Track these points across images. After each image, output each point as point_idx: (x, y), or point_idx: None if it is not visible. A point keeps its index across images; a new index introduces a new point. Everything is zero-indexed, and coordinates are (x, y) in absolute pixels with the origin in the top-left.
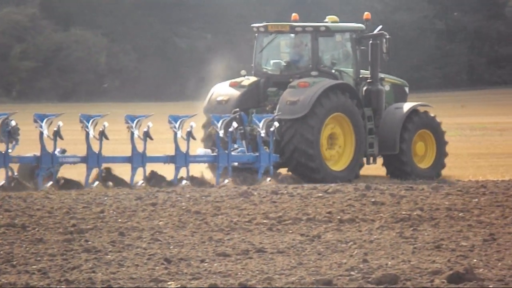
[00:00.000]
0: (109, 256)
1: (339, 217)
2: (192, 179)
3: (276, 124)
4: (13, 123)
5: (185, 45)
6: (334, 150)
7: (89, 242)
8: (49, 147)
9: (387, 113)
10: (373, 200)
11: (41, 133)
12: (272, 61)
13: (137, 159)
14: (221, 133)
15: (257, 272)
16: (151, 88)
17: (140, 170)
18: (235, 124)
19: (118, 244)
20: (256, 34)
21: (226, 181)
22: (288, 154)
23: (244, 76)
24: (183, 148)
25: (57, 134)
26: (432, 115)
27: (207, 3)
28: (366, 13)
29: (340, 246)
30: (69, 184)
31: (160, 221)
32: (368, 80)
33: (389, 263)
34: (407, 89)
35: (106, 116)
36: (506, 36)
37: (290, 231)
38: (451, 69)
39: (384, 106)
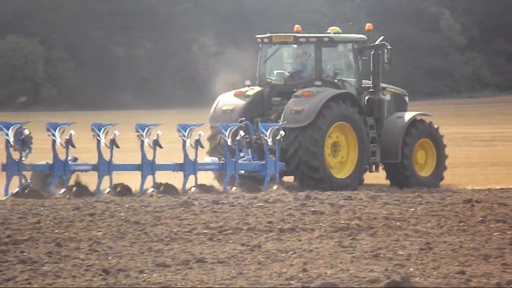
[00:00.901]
0: (45, 267)
1: (279, 226)
2: (200, 186)
3: (282, 132)
4: (26, 132)
5: (123, 53)
6: (337, 158)
7: (25, 253)
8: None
9: (389, 122)
10: (312, 209)
11: (54, 142)
12: (275, 71)
13: (146, 167)
14: (229, 141)
15: (197, 282)
16: (89, 97)
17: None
18: (242, 133)
19: (55, 255)
20: (260, 45)
21: (234, 188)
22: (293, 164)
23: (248, 86)
24: (187, 156)
25: (69, 143)
26: (435, 126)
27: (146, 12)
28: (368, 24)
29: (280, 255)
30: (82, 191)
31: (99, 231)
32: (370, 90)
33: (328, 272)
34: (407, 99)
35: (117, 125)
36: (441, 48)
37: (231, 241)
38: (388, 81)
39: (386, 115)
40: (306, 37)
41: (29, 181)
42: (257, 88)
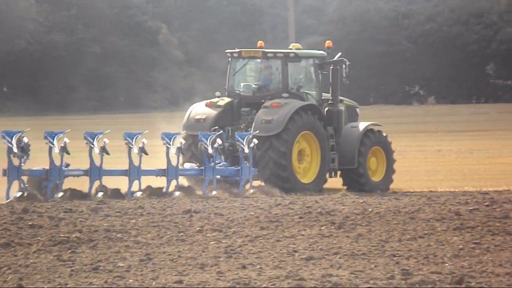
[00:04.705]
0: None
1: None
2: (181, 189)
3: (255, 141)
4: (25, 139)
5: None
6: (302, 165)
7: None
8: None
9: (344, 132)
10: (30, 223)
11: (51, 149)
12: (244, 84)
13: (133, 172)
14: (209, 149)
15: None
16: None
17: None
18: (219, 141)
19: None
20: (230, 59)
21: (214, 192)
22: (263, 162)
23: (218, 97)
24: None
25: (64, 150)
26: (384, 134)
27: None
28: (327, 41)
29: None
30: (76, 194)
31: None
32: (330, 102)
33: (45, 287)
34: (358, 110)
35: (108, 133)
36: (159, 62)
37: None
38: (108, 93)
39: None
40: (273, 53)
41: (27, 185)
42: (227, 99)
